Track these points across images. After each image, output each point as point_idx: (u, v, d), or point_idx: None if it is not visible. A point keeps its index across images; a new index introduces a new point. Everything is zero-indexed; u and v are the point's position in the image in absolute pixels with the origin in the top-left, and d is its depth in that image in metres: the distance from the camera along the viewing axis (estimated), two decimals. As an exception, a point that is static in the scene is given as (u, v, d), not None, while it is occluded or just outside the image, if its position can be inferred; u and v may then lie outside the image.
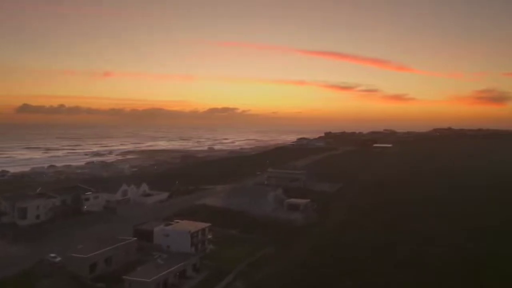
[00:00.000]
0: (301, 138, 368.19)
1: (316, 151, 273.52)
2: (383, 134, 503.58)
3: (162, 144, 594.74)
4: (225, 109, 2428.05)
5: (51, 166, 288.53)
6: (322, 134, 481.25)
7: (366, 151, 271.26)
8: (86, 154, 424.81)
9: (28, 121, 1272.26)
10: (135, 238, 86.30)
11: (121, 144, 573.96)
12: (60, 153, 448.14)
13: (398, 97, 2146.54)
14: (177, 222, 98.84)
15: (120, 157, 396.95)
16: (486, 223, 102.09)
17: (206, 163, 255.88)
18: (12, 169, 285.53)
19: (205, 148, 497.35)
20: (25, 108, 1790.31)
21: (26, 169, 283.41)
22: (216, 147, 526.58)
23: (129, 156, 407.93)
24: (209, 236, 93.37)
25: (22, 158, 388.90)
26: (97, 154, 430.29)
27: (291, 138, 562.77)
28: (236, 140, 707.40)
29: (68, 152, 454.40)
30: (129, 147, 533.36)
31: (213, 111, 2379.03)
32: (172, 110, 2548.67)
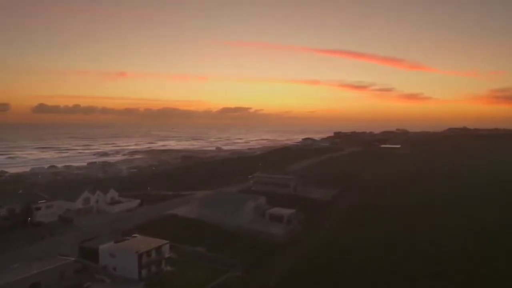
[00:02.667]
0: (306, 138, 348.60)
1: (320, 152, 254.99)
2: (394, 134, 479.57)
3: (172, 144, 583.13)
4: (238, 109, 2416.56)
5: (52, 166, 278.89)
6: (332, 134, 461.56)
7: (372, 152, 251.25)
8: (94, 154, 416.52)
9: (44, 121, 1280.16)
10: (73, 259, 71.25)
11: (134, 144, 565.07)
12: (70, 153, 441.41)
13: (413, 96, 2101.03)
14: (135, 236, 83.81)
15: (126, 157, 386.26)
16: (484, 224, 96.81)
17: (204, 164, 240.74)
18: (18, 170, 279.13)
19: (213, 148, 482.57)
20: (41, 108, 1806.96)
21: (27, 169, 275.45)
22: (226, 147, 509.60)
23: (136, 156, 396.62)
24: (167, 255, 77.72)
25: (32, 158, 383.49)
26: (104, 154, 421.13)
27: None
28: (250, 140, 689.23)
29: (79, 152, 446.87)
30: (141, 147, 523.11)
31: (226, 110, 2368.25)
32: (185, 110, 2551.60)
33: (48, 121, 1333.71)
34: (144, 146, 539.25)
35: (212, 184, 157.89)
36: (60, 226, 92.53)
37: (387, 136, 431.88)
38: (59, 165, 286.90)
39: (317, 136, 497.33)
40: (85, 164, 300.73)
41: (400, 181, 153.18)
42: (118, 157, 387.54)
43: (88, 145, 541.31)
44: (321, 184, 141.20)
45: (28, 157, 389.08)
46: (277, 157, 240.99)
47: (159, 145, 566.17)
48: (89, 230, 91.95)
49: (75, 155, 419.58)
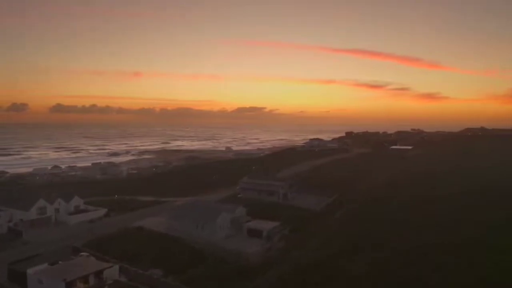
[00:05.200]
0: (313, 139, 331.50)
1: (325, 154, 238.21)
2: (409, 134, 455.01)
3: (186, 144, 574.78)
4: (253, 109, 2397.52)
5: (55, 166, 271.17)
6: (343, 134, 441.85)
7: (380, 154, 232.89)
8: (104, 154, 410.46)
9: (61, 121, 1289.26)
10: (-7, 287, 58.73)
11: (148, 144, 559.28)
12: (82, 153, 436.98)
13: (430, 96, 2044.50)
14: (81, 256, 71.01)
15: (134, 157, 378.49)
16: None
17: (205, 166, 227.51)
18: (23, 170, 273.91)
19: (223, 148, 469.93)
20: (58, 108, 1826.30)
21: (30, 169, 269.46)
22: (238, 147, 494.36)
23: (144, 156, 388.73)
24: (112, 281, 64.33)
25: (44, 158, 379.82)
26: (114, 154, 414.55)
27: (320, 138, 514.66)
28: (265, 140, 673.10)
29: (90, 152, 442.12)
30: (154, 147, 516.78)
31: (240, 110, 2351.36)
32: (200, 110, 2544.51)
33: (65, 121, 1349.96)
34: (157, 146, 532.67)
35: (202, 188, 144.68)
36: (6, 240, 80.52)
37: (401, 136, 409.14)
38: (63, 166, 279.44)
39: (330, 136, 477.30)
40: (89, 164, 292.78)
41: (397, 184, 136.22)
42: (127, 157, 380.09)
43: (101, 145, 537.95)
44: (316, 191, 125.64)
45: (40, 157, 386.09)
46: (278, 159, 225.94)
47: (172, 145, 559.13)
48: (39, 244, 79.62)
49: (86, 155, 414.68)
